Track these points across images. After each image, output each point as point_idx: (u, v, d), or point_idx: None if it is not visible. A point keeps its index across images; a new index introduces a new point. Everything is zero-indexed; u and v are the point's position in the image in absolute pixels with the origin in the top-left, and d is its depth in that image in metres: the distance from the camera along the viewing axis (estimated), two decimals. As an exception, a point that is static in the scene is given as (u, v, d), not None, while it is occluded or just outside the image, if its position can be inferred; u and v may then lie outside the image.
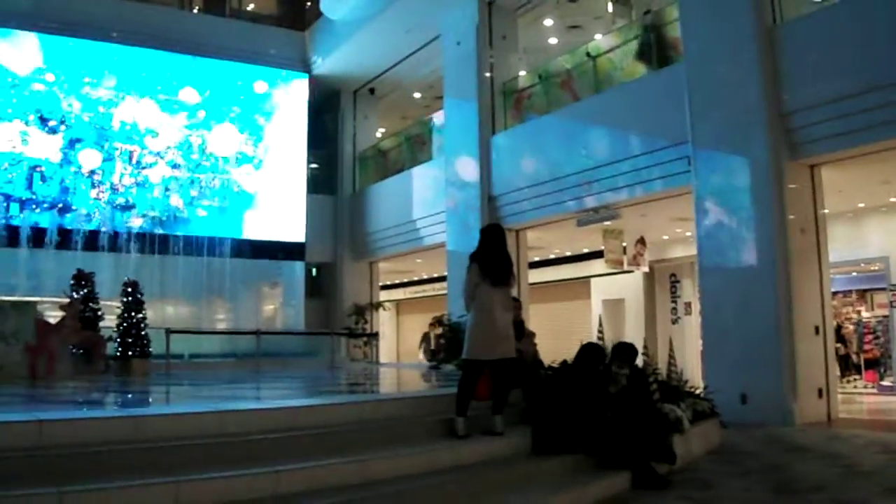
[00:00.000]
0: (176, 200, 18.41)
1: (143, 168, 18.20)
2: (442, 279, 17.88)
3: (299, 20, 20.93)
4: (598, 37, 14.91)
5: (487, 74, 15.40)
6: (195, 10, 21.10)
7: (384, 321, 20.24)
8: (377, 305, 19.99)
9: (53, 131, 17.66)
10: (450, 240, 16.05)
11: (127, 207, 17.89)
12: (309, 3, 20.60)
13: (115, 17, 18.02)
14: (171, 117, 18.61)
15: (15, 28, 17.28)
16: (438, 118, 17.43)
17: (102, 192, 17.79)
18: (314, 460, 5.47)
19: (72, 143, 17.76)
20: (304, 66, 20.33)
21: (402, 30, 17.30)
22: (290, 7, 21.53)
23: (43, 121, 17.55)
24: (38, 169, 17.44)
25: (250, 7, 22.19)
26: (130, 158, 18.15)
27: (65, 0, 17.83)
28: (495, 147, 15.11)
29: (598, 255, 16.14)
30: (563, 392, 6.80)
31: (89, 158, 17.85)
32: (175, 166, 18.49)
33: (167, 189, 18.31)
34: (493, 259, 6.66)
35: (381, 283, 21.37)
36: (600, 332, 10.57)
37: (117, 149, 18.07)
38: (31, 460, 4.89)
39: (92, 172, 17.76)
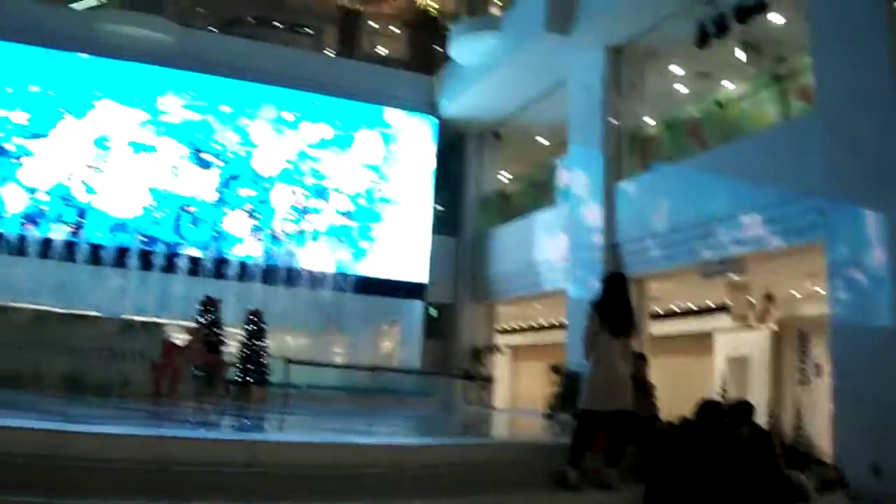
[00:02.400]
0: (291, 227, 19.10)
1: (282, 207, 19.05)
2: (561, 327, 17.66)
3: (428, 64, 21.42)
4: (727, 84, 14.60)
5: (613, 121, 15.28)
6: (329, 53, 22.05)
7: (500, 365, 20.11)
8: (494, 349, 19.92)
9: (207, 166, 18.62)
10: (570, 286, 15.87)
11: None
12: (438, 49, 21.04)
13: (253, 59, 19.12)
14: (300, 154, 19.36)
15: (171, 66, 18.48)
16: (562, 163, 17.38)
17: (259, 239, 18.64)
18: (420, 498, 5.46)
19: (227, 182, 18.73)
20: (432, 109, 20.72)
21: (529, 75, 17.42)
22: (420, 52, 22.07)
23: (197, 152, 18.55)
24: (188, 209, 18.38)
25: (382, 51, 22.93)
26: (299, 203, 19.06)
27: (210, 42, 19.09)
28: (620, 194, 14.89)
29: (722, 309, 15.62)
30: (680, 449, 6.58)
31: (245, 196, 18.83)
32: (304, 209, 19.15)
33: (295, 222, 18.98)
34: (614, 308, 6.56)
35: (499, 327, 21.30)
36: (723, 389, 10.20)
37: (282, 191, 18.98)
38: (148, 473, 5.09)
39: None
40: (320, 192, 19.40)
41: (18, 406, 8.62)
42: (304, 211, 19.20)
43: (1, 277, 15.52)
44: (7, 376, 10.83)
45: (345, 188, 19.57)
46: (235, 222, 18.66)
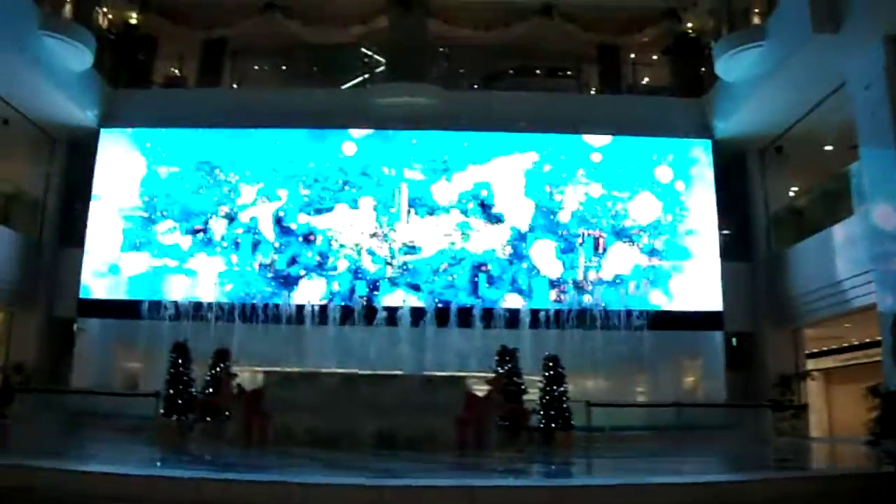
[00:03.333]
0: (593, 274, 19.30)
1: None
2: (876, 344, 16.23)
3: (696, 87, 20.95)
4: None
5: (905, 116, 14.00)
6: (592, 92, 22.29)
7: (813, 392, 18.78)
8: (804, 375, 18.67)
9: (498, 219, 19.48)
10: (881, 301, 14.59)
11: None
12: (704, 69, 20.51)
13: (518, 109, 19.99)
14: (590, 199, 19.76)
15: (439, 128, 19.82)
16: (856, 169, 16.13)
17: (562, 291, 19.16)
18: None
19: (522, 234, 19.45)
20: (706, 132, 20.22)
21: (804, 82, 16.53)
22: (686, 76, 21.61)
23: (485, 208, 19.49)
24: (483, 268, 19.28)
25: (644, 82, 22.77)
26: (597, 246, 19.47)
27: (475, 99, 20.39)
28: (925, 195, 13.57)
29: None
30: None
31: (543, 249, 19.41)
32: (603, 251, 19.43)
33: (597, 269, 19.27)
34: None
35: (807, 351, 19.95)
36: None
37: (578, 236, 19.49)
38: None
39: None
40: (617, 233, 19.60)
41: (340, 464, 9.49)
42: (603, 253, 19.40)
43: (305, 346, 17.27)
44: (325, 438, 11.99)
45: (637, 223, 19.64)
46: (536, 277, 19.22)
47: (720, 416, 17.12)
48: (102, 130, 20.05)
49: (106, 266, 19.28)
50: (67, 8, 18.43)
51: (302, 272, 19.21)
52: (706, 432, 15.63)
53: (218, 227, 19.48)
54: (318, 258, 19.29)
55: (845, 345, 22.25)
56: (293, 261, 19.29)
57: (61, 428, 15.44)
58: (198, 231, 19.44)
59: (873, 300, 14.98)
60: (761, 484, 6.73)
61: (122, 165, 19.82)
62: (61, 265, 19.83)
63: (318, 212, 19.52)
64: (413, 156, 19.82)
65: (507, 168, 19.75)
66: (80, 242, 19.46)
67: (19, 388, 16.77)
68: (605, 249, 19.37)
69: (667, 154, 20.02)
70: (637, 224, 19.58)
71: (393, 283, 19.09)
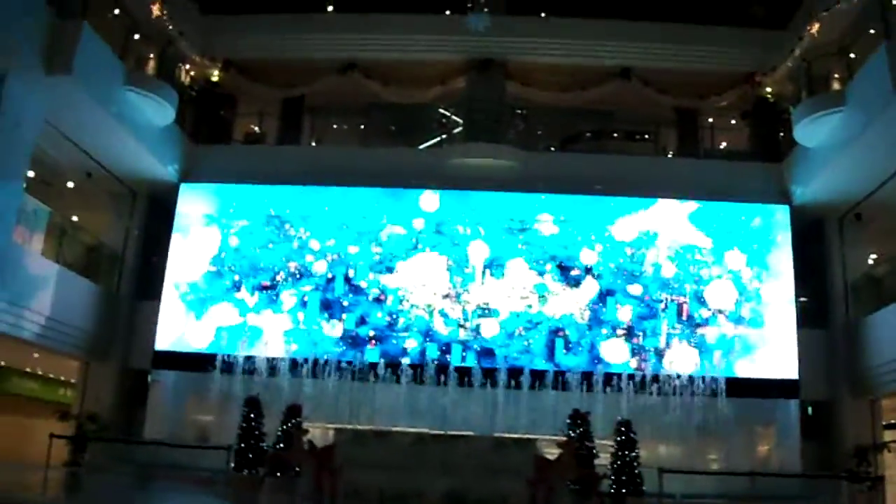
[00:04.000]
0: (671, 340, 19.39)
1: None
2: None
3: (774, 152, 21.00)
4: None
5: None
6: (670, 155, 22.40)
7: (890, 464, 18.24)
8: (881, 446, 18.21)
9: (577, 282, 19.59)
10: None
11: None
12: (782, 134, 20.50)
13: (596, 172, 20.28)
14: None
15: (516, 190, 20.17)
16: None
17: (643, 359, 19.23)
18: None
19: (602, 297, 19.57)
20: (784, 198, 20.24)
21: (885, 147, 16.47)
22: (764, 140, 21.67)
23: (563, 270, 19.66)
24: (560, 333, 19.38)
25: (722, 146, 22.79)
26: (679, 312, 19.51)
27: (552, 161, 20.84)
28: None
29: None
30: None
31: (623, 314, 19.53)
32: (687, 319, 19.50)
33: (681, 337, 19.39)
34: None
35: (884, 422, 19.45)
36: None
37: (660, 301, 19.58)
38: None
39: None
40: (696, 299, 19.67)
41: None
42: (688, 321, 19.45)
43: (378, 404, 17.44)
44: (394, 496, 12.14)
45: (716, 291, 19.64)
46: (613, 346, 19.34)
47: (794, 487, 16.87)
48: (182, 185, 20.73)
49: (181, 319, 19.89)
50: (151, 64, 19.26)
51: (371, 333, 19.50)
52: (780, 502, 15.35)
53: (286, 283, 19.99)
54: (388, 318, 19.57)
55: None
56: (362, 321, 19.59)
57: (133, 479, 15.80)
58: (266, 288, 19.93)
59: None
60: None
61: (199, 220, 20.49)
62: (137, 317, 20.46)
63: (389, 270, 19.85)
64: (492, 215, 20.18)
65: (584, 230, 20.06)
66: (156, 295, 20.02)
67: (93, 437, 17.33)
68: (689, 316, 19.37)
69: (750, 219, 20.04)
70: (720, 293, 19.64)
71: (466, 346, 19.26)
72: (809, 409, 19.53)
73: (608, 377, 18.30)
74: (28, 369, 24.64)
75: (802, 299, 19.94)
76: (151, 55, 19.34)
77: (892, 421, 21.20)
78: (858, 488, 16.96)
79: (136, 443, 18.29)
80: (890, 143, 16.28)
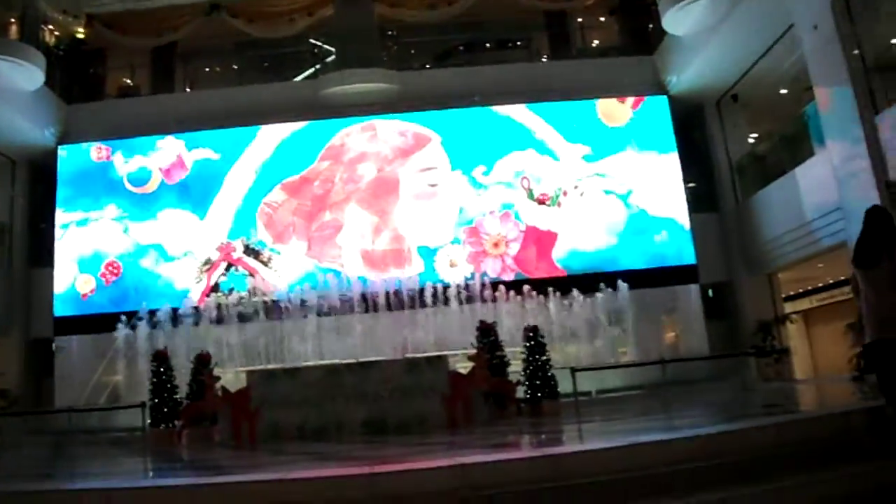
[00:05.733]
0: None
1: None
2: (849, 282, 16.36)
3: (645, 44, 20.94)
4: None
5: (855, 52, 14.02)
6: (544, 59, 22.23)
7: (794, 335, 18.94)
8: (783, 319, 18.84)
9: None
10: (850, 237, 14.69)
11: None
12: (652, 26, 20.46)
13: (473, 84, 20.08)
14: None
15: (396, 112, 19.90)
16: (812, 110, 16.20)
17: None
18: (726, 491, 5.32)
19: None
20: (661, 89, 20.28)
21: (752, 29, 16.58)
22: (635, 34, 21.63)
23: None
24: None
25: (595, 44, 22.74)
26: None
27: (428, 79, 20.38)
28: (883, 127, 13.63)
29: None
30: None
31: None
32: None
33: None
34: (861, 244, 6.25)
35: (784, 295, 20.11)
36: None
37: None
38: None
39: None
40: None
41: (333, 455, 9.42)
42: None
43: (286, 344, 17.15)
44: (314, 430, 11.92)
45: (605, 186, 19.78)
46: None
47: (705, 369, 17.15)
48: (60, 147, 19.95)
49: (75, 282, 19.26)
50: (14, 29, 18.40)
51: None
52: (693, 386, 15.70)
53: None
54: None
55: (820, 285, 22.49)
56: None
57: (50, 449, 15.20)
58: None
59: (843, 238, 15.08)
60: (744, 433, 6.75)
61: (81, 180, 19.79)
62: (33, 286, 19.76)
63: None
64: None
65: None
66: (49, 262, 19.39)
67: (3, 413, 16.57)
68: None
69: (622, 114, 20.14)
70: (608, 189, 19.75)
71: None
72: (710, 292, 19.97)
73: (510, 285, 18.19)
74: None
75: (691, 185, 20.20)
76: (13, 20, 18.58)
77: (792, 293, 22.01)
78: (766, 362, 17.54)
79: (47, 412, 17.62)
80: (757, 23, 16.38)
